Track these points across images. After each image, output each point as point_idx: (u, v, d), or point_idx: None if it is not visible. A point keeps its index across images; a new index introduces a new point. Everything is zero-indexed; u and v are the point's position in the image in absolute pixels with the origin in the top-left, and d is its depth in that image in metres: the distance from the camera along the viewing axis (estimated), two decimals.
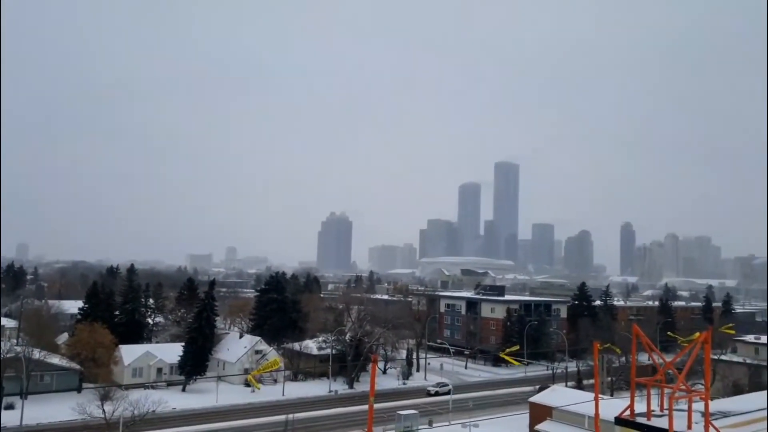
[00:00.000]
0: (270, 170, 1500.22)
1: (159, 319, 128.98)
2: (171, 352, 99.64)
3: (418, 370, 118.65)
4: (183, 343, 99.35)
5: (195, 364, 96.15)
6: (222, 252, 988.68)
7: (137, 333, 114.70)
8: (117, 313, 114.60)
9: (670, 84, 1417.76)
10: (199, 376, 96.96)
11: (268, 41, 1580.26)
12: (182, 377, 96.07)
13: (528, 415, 69.74)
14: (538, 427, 64.21)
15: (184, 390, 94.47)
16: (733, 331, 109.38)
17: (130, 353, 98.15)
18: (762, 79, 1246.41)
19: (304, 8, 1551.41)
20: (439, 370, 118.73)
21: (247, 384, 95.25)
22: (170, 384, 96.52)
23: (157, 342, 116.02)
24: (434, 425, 75.91)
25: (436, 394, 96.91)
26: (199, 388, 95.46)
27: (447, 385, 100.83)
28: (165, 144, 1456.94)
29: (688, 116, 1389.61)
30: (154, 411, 67.23)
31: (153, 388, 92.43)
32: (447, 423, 77.27)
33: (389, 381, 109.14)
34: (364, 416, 62.69)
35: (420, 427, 73.28)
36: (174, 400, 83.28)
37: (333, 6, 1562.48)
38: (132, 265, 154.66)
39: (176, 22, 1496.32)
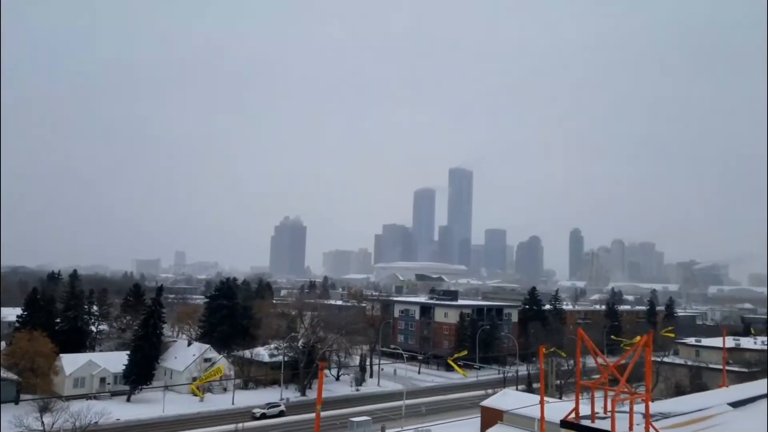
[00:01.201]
0: (222, 173, 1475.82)
1: (103, 326, 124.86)
2: (115, 360, 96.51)
3: (371, 376, 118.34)
4: (128, 352, 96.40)
5: (141, 373, 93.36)
6: (170, 257, 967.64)
7: (80, 341, 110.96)
8: (58, 320, 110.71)
9: (620, 91, 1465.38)
10: (144, 386, 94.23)
11: (225, 41, 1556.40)
12: (127, 387, 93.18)
13: (480, 419, 70.35)
14: (489, 430, 64.78)
15: (129, 400, 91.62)
16: (672, 335, 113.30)
17: (71, 362, 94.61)
18: (705, 85, 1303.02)
19: (262, 8, 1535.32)
20: (393, 375, 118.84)
21: (201, 391, 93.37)
22: (114, 394, 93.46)
23: (101, 350, 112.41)
24: (387, 431, 75.73)
25: (262, 416, 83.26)
26: (145, 398, 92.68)
27: (278, 405, 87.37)
28: (110, 145, 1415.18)
29: (634, 124, 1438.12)
30: (96, 423, 65.13)
31: (96, 398, 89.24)
32: (400, 429, 77.21)
33: (342, 387, 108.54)
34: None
35: None
36: (118, 411, 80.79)
37: (290, 6, 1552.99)
38: (75, 270, 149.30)
39: (130, 20, 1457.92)
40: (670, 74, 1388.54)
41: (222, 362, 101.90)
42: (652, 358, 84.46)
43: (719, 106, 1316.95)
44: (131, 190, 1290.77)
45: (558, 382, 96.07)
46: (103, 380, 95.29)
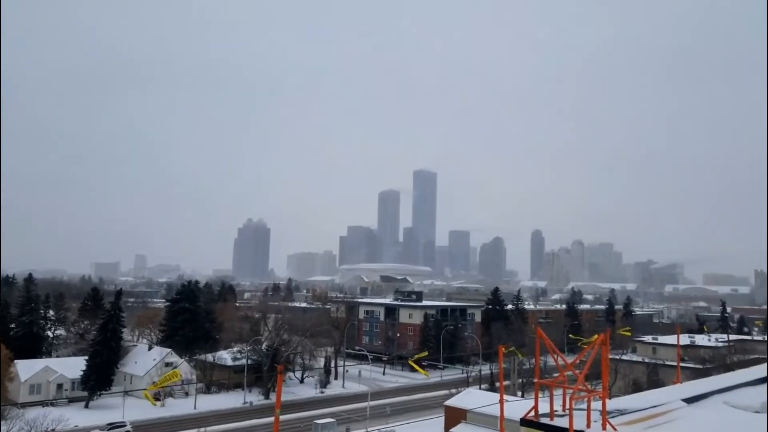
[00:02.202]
0: (184, 174, 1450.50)
1: (60, 331, 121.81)
2: (73, 366, 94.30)
3: (336, 378, 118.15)
4: (86, 357, 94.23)
5: (99, 379, 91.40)
6: (130, 260, 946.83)
7: (36, 347, 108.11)
8: (13, 326, 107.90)
9: (578, 99, 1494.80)
10: (103, 392, 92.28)
11: (181, 36, 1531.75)
12: (85, 393, 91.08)
13: (443, 418, 70.91)
14: (452, 430, 65.30)
15: (87, 406, 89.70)
16: (629, 333, 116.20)
17: (27, 369, 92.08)
18: (659, 91, 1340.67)
19: (229, 10, 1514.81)
20: (358, 377, 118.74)
21: (156, 398, 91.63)
22: (72, 400, 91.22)
23: (58, 356, 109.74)
24: None
25: None
26: (104, 404, 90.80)
27: (123, 425, 77.88)
28: (67, 144, 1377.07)
29: (590, 131, 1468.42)
30: (53, 430, 63.67)
31: (53, 405, 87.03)
32: (364, 430, 77.35)
33: (307, 390, 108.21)
34: (280, 427, 61.71)
35: None
36: (76, 418, 78.92)
37: (255, 7, 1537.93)
38: (30, 274, 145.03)
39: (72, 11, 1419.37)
40: (628, 81, 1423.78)
41: (183, 366, 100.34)
42: (611, 356, 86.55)
43: (674, 111, 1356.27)
44: (89, 192, 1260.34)
45: (520, 380, 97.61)
46: (60, 386, 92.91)
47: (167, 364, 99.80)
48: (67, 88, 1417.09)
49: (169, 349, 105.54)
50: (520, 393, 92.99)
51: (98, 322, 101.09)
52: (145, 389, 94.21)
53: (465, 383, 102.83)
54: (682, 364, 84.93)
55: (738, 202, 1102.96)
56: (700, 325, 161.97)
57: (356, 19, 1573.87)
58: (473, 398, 69.99)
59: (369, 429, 77.43)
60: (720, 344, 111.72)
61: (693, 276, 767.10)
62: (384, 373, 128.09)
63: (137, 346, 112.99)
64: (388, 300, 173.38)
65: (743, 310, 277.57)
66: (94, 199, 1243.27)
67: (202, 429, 75.41)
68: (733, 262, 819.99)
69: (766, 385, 25.23)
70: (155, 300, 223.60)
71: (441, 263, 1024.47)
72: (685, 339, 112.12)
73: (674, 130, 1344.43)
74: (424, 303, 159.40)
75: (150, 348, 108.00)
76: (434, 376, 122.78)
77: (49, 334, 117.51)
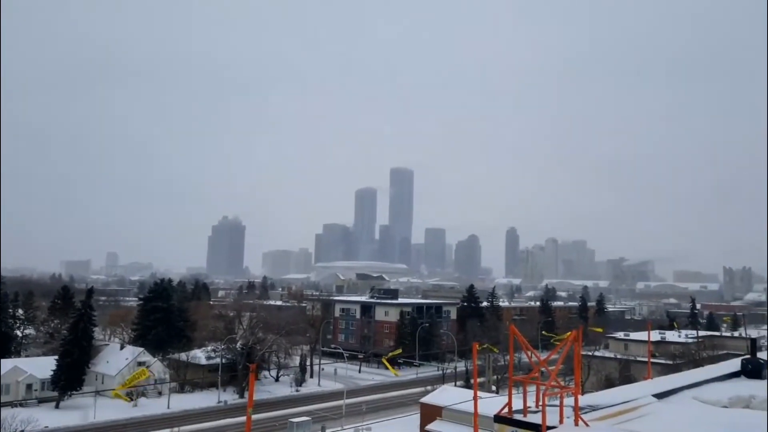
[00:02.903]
0: (157, 170, 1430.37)
1: (29, 331, 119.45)
2: (43, 366, 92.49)
3: (311, 376, 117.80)
4: (56, 357, 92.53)
5: (70, 379, 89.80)
6: (102, 258, 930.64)
7: (4, 347, 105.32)
8: None
9: (554, 98, 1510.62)
10: (74, 392, 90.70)
11: (158, 30, 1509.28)
12: (56, 393, 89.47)
13: (419, 415, 71.20)
14: (428, 427, 65.59)
15: (57, 407, 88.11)
16: (600, 330, 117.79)
17: None
18: (630, 90, 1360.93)
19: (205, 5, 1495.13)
20: (333, 375, 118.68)
21: (129, 397, 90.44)
22: (42, 401, 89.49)
23: (28, 356, 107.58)
24: (327, 431, 75.66)
25: None
26: (75, 404, 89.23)
27: None
28: (38, 140, 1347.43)
29: (566, 128, 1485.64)
30: (22, 431, 62.31)
31: (22, 405, 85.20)
32: (340, 428, 77.32)
33: (282, 388, 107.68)
34: (254, 426, 61.26)
35: None
36: (46, 419, 77.40)
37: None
38: None
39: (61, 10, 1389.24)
40: (599, 81, 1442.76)
41: (156, 366, 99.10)
42: (583, 353, 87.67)
43: (649, 112, 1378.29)
44: (60, 189, 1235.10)
45: (495, 377, 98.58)
46: (29, 387, 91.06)
47: (139, 364, 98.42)
48: (41, 81, 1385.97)
49: (141, 348, 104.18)
50: (494, 389, 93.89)
51: (69, 321, 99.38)
52: (117, 389, 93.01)
53: (440, 380, 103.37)
54: (652, 360, 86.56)
55: (708, 200, 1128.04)
56: (670, 322, 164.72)
57: (337, 20, 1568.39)
58: (448, 395, 70.39)
59: (345, 427, 77.43)
60: (689, 340, 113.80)
61: (664, 273, 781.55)
62: (360, 371, 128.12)
63: (109, 346, 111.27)
64: (364, 298, 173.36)
65: (712, 307, 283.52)
66: (65, 195, 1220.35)
67: (176, 429, 74.65)
68: (702, 259, 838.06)
69: (734, 380, 25.82)
70: (128, 298, 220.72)
71: (417, 261, 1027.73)
72: (655, 335, 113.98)
73: (648, 130, 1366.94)
74: (400, 300, 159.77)
75: (122, 347, 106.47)
76: (410, 374, 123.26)
77: (18, 333, 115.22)
